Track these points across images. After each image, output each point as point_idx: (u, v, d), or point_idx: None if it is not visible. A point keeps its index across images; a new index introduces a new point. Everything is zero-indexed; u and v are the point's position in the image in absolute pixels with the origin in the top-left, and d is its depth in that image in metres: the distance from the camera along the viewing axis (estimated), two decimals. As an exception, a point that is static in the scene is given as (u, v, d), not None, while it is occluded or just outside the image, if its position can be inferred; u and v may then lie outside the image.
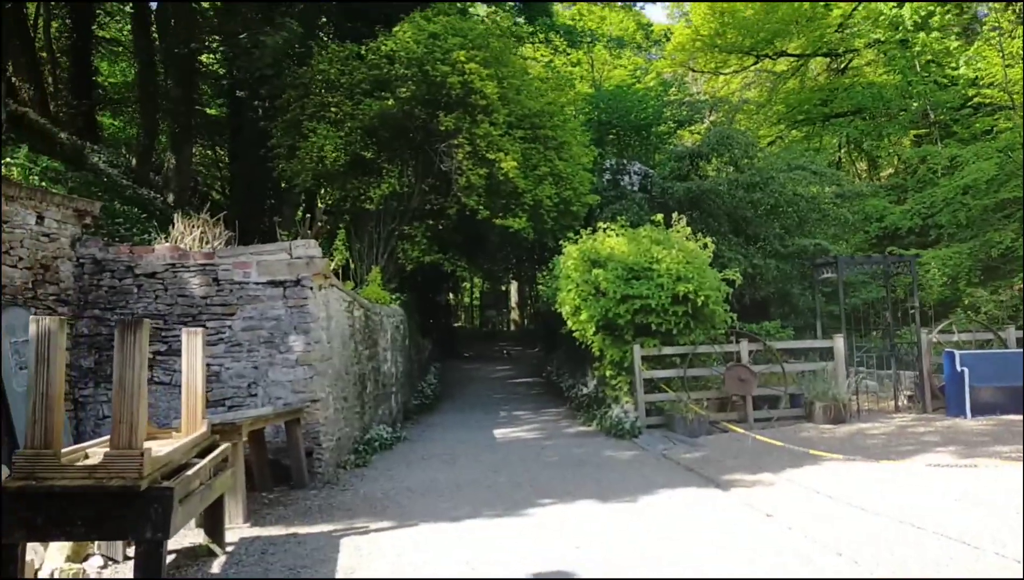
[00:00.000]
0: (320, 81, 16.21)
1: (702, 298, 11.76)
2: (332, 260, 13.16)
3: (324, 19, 22.31)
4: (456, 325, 40.82)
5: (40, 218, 9.06)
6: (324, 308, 9.82)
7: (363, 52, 16.29)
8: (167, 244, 9.85)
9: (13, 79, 21.58)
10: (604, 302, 12.11)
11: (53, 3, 24.46)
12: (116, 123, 30.28)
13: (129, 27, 23.22)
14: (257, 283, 9.42)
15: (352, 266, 16.09)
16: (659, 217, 13.56)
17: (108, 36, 28.20)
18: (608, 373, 12.81)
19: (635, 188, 23.05)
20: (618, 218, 14.68)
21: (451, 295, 37.59)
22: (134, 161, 21.71)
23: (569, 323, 13.18)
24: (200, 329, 6.30)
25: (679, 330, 12.11)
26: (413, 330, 18.74)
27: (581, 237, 13.52)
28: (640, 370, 12.06)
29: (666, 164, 24.08)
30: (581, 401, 15.22)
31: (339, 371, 10.33)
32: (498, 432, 13.07)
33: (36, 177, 9.56)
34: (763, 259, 20.26)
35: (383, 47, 15.79)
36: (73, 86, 23.39)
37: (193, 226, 10.31)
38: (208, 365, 9.29)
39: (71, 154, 16.33)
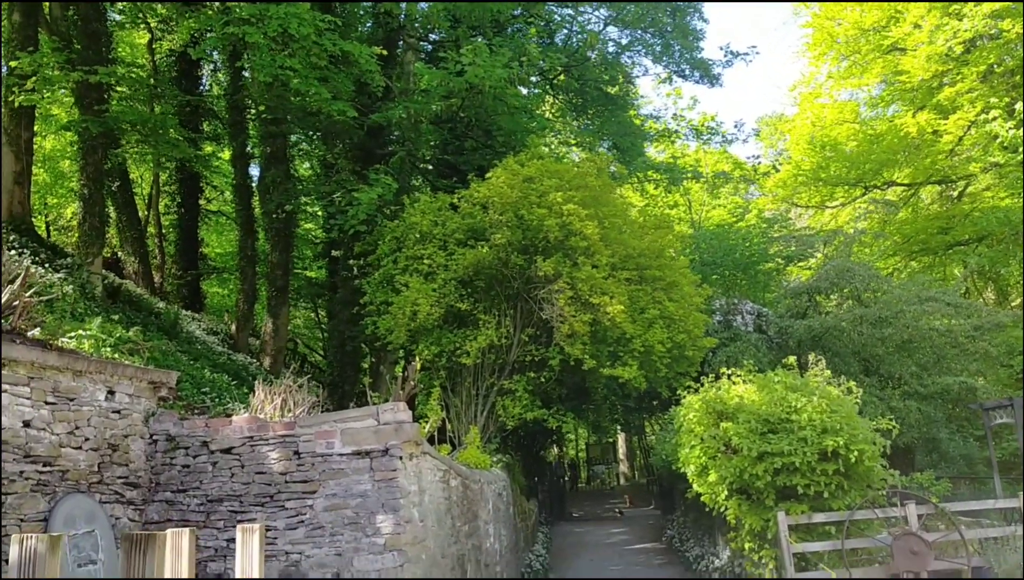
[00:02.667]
0: (413, 234, 15.72)
1: (855, 453, 9.98)
2: (427, 422, 12.03)
3: (419, 179, 22.39)
4: (565, 479, 38.79)
5: (111, 393, 8.27)
6: (416, 480, 8.58)
7: (456, 201, 15.81)
8: (246, 414, 8.91)
9: (119, 253, 22.16)
10: (737, 461, 10.45)
11: (164, 182, 25.55)
12: (222, 291, 31.00)
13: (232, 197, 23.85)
14: (341, 455, 8.29)
15: (449, 426, 14.95)
16: (791, 359, 11.98)
17: (214, 209, 29.28)
18: (747, 545, 10.95)
19: (749, 328, 21.54)
20: (743, 362, 13.17)
21: (556, 449, 35.83)
22: (233, 327, 21.66)
23: (695, 485, 11.51)
24: (258, 525, 5.14)
25: (830, 492, 10.26)
26: (517, 494, 17.21)
27: (703, 385, 12.03)
28: (788, 543, 10.17)
29: (781, 301, 22.55)
30: (713, 576, 13.22)
31: (434, 555, 8.94)
32: (621, 620, 11.23)
33: (109, 349, 8.92)
34: (902, 401, 18.23)
35: (475, 194, 15.25)
36: (180, 257, 23.97)
37: (274, 393, 9.38)
38: (287, 553, 8.12)
39: (167, 324, 16.11)
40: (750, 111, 75.36)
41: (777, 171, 31.37)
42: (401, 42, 21.73)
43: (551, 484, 31.58)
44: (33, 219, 20.06)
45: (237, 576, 4.96)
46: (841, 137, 28.53)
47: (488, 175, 15.66)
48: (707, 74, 24.45)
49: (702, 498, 11.51)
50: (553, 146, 26.74)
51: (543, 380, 15.60)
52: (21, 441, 6.93)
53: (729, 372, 12.13)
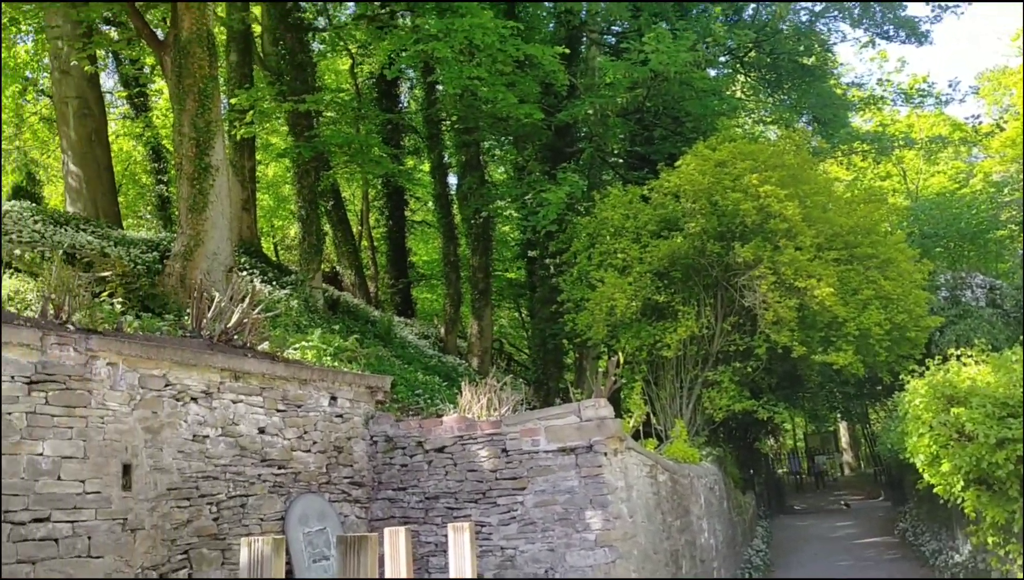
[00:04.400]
0: (605, 229, 15.72)
1: (1117, 437, 8.84)
2: (631, 417, 11.97)
3: (609, 173, 22.36)
4: (780, 472, 37.23)
5: (333, 399, 8.92)
6: (622, 476, 8.56)
7: (646, 192, 15.63)
8: (454, 415, 9.30)
9: (337, 268, 23.80)
10: (972, 449, 9.56)
11: (373, 198, 27.18)
12: (430, 296, 32.50)
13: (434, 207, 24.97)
14: (547, 451, 8.43)
15: (654, 420, 14.79)
16: (1031, 335, 10.82)
17: (419, 219, 30.77)
18: (991, 539, 9.99)
19: (981, 303, 19.66)
20: (975, 340, 12.02)
21: (771, 441, 34.45)
22: (442, 330, 22.65)
23: (926, 475, 10.65)
24: (467, 524, 5.32)
25: (1089, 481, 9.16)
26: (730, 488, 16.73)
27: (928, 368, 11.12)
28: (1039, 538, 9.20)
29: (1017, 271, 20.41)
30: (954, 572, 12.19)
31: (646, 551, 8.88)
32: (850, 619, 10.60)
33: (329, 358, 9.61)
34: None
35: (666, 184, 15.00)
36: (392, 267, 25.42)
37: (480, 393, 9.71)
38: (502, 549, 8.38)
39: (382, 330, 17.10)
40: (966, 68, 68.66)
41: (1003, 129, 28.36)
42: (584, 38, 21.80)
43: (768, 476, 30.43)
44: (262, 241, 22.06)
45: (451, 574, 5.16)
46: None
47: (678, 163, 15.35)
48: (914, 32, 22.54)
49: (935, 489, 10.63)
50: (747, 126, 25.74)
51: (750, 370, 15.05)
52: (258, 446, 7.61)
53: (958, 353, 11.13)
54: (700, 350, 15.25)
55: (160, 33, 13.77)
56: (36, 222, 12.05)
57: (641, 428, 13.06)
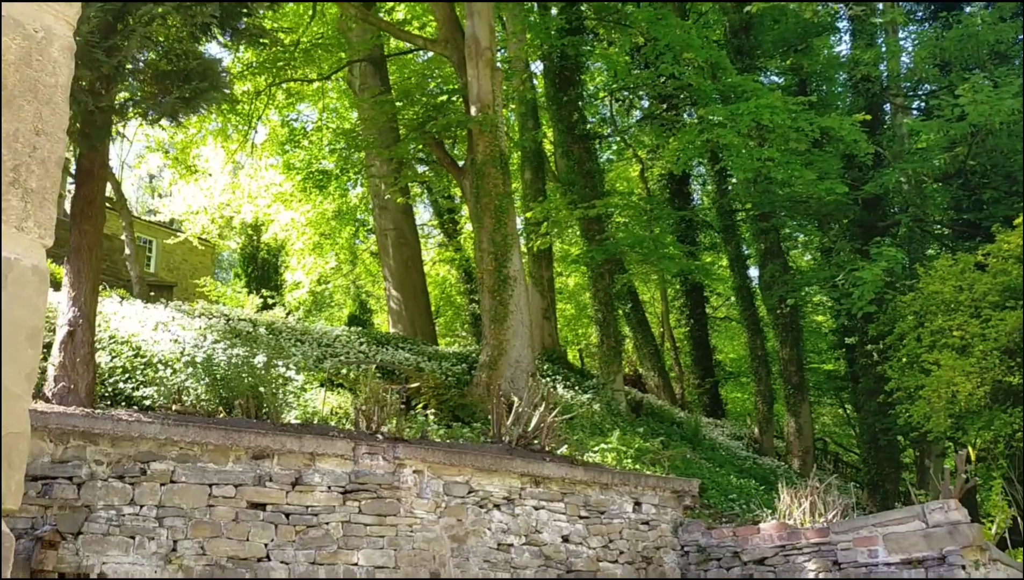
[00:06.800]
0: (934, 304, 13.87)
1: None
2: (991, 522, 10.08)
3: (934, 245, 20.15)
4: None
5: (637, 504, 8.45)
6: (989, 595, 7.08)
7: (981, 259, 13.66)
8: (773, 521, 8.38)
9: (639, 370, 23.54)
10: None
11: (671, 298, 26.87)
12: (741, 395, 31.02)
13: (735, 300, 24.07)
14: (887, 564, 7.25)
15: (1022, 526, 12.38)
16: None
17: (721, 315, 29.84)
18: None
19: None
20: None
21: None
22: (755, 430, 21.31)
23: None
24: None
25: None
26: None
27: None
28: None
29: None
30: None
31: None
32: None
33: (630, 461, 9.19)
34: None
35: (1005, 246, 12.98)
36: (696, 367, 24.70)
37: (801, 496, 8.70)
38: None
39: (688, 432, 16.41)
40: None
41: None
42: (886, 105, 20.24)
43: None
44: (566, 349, 22.52)
45: None
46: None
47: (1016, 221, 13.29)
48: None
49: None
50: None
51: None
52: (562, 556, 7.32)
53: None
54: (1076, 439, 12.69)
55: (460, 163, 14.83)
56: (362, 344, 13.22)
57: (1007, 535, 10.93)
